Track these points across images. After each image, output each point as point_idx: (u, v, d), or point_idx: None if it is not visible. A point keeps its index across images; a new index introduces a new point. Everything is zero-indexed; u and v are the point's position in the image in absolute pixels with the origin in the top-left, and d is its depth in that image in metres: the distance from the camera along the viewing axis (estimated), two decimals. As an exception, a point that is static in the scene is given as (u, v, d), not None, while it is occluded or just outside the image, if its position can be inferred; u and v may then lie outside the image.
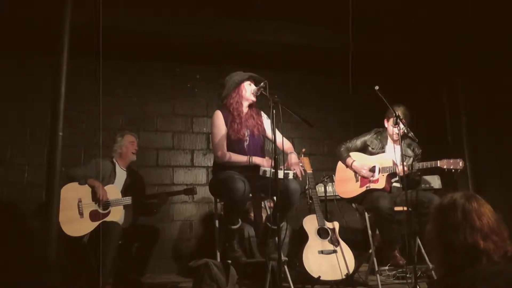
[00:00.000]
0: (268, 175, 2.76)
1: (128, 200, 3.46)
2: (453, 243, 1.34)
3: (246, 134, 3.09)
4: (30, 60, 4.27)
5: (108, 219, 3.32)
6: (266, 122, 3.22)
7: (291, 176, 2.85)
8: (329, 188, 4.19)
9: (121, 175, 3.62)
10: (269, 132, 3.16)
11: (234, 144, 3.04)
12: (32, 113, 4.25)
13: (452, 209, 1.38)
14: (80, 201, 3.30)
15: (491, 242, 1.31)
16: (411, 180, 3.28)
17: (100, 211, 3.34)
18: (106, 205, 3.36)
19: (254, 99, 3.11)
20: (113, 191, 3.43)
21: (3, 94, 4.23)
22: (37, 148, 4.17)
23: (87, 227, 3.26)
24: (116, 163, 3.63)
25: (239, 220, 3.01)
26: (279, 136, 3.03)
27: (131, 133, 3.80)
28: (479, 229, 1.32)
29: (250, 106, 3.16)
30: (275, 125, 2.69)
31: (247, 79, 3.13)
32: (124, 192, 3.51)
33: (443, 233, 1.37)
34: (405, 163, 3.01)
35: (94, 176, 3.42)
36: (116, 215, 3.38)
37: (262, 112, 3.27)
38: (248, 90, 3.10)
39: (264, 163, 2.96)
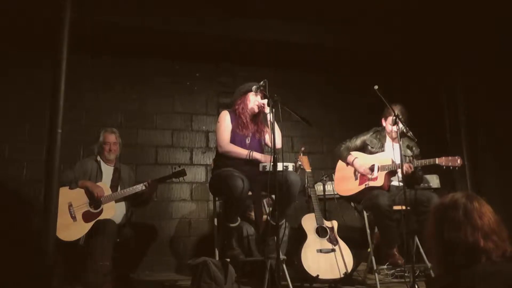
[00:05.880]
0: (267, 170, 2.77)
1: (139, 187, 3.44)
2: (454, 241, 1.34)
3: (248, 135, 3.16)
4: (30, 57, 4.25)
5: (101, 217, 3.30)
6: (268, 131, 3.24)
7: (290, 168, 2.86)
8: (328, 187, 4.19)
9: (107, 171, 3.59)
10: (268, 140, 3.27)
11: (236, 143, 3.11)
12: (31, 110, 4.23)
13: (454, 208, 1.39)
14: (70, 205, 3.28)
15: (491, 242, 1.32)
16: (414, 176, 3.30)
17: (92, 210, 3.32)
18: (98, 203, 3.34)
19: (256, 110, 3.18)
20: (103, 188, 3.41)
21: (2, 91, 4.21)
22: (36, 145, 4.15)
23: (82, 229, 3.24)
24: (101, 160, 3.60)
25: (238, 218, 3.03)
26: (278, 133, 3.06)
27: (112, 131, 3.66)
28: (480, 228, 1.33)
29: (256, 115, 3.23)
30: (274, 123, 2.68)
31: (254, 90, 3.08)
32: (115, 187, 3.50)
33: (443, 231, 1.38)
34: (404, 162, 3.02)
35: (83, 178, 3.41)
36: (110, 212, 3.36)
37: (268, 123, 3.18)
38: (252, 101, 3.19)
39: (263, 159, 2.99)
